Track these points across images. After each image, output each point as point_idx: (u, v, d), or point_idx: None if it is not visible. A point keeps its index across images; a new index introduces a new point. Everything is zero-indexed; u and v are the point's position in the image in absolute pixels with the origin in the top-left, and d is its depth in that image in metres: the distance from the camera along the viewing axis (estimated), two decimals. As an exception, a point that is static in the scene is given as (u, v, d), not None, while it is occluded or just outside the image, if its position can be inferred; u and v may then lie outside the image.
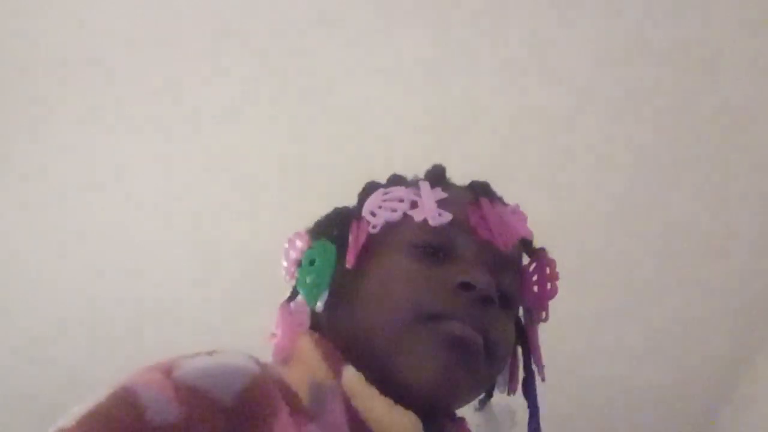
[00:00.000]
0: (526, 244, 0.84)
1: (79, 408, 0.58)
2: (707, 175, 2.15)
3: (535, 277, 0.84)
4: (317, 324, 0.79)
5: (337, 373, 0.72)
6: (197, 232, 2.32)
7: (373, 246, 0.79)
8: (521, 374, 0.84)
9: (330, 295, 0.79)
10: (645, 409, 2.81)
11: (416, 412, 0.70)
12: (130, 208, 2.33)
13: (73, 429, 0.56)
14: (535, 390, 0.83)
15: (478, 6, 1.85)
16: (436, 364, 0.71)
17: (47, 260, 2.48)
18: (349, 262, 0.77)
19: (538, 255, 0.85)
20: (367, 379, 0.71)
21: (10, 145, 2.19)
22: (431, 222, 0.77)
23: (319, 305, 0.79)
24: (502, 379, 0.83)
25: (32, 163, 2.23)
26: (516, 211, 0.84)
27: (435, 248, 0.77)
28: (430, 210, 0.79)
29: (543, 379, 0.84)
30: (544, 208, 2.22)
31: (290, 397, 0.67)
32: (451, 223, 0.78)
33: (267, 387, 0.64)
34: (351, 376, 0.71)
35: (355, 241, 0.79)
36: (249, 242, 2.26)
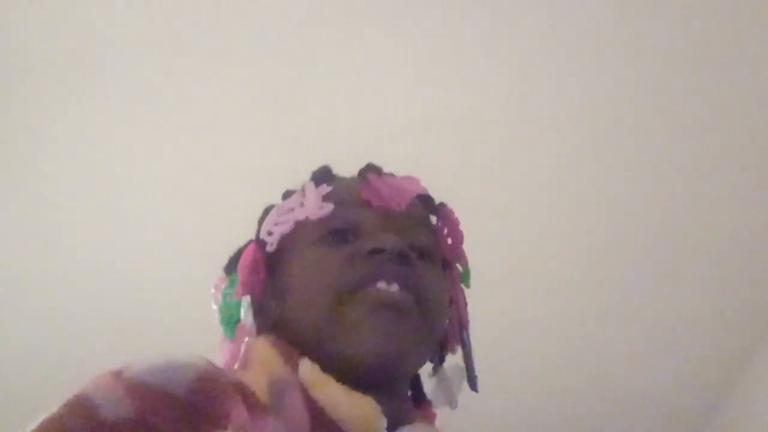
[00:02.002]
0: (427, 204, 0.86)
1: (33, 422, 0.60)
2: (706, 175, 2.15)
3: (445, 231, 0.86)
4: (268, 329, 0.81)
5: (294, 367, 0.73)
6: (197, 233, 2.32)
7: (277, 259, 0.82)
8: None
9: (264, 313, 0.81)
10: (643, 411, 2.81)
11: (375, 396, 0.71)
12: (129, 208, 2.33)
13: None
14: (467, 336, 0.85)
15: (472, 6, 1.86)
16: (372, 332, 0.72)
17: (46, 261, 2.49)
18: (238, 293, 0.82)
19: (438, 209, 0.87)
20: (322, 369, 0.72)
21: (9, 146, 2.19)
22: (312, 216, 0.80)
23: (251, 329, 0.81)
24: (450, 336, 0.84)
25: (31, 164, 2.24)
26: (407, 177, 0.86)
27: (341, 232, 0.79)
28: (311, 206, 0.81)
29: (466, 324, 0.85)
30: (542, 208, 2.23)
31: (246, 393, 0.68)
32: (344, 205, 0.81)
33: (218, 380, 0.66)
34: (307, 367, 0.72)
35: (243, 269, 0.82)
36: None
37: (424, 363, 0.81)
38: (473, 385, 0.82)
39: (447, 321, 0.83)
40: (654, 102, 2.01)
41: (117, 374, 0.64)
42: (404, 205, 0.81)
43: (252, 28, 1.92)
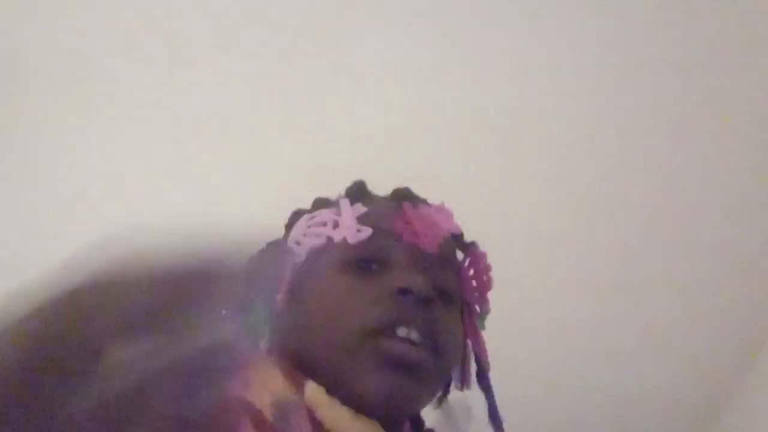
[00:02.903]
0: (457, 240, 0.86)
1: None
2: (706, 176, 2.15)
3: (471, 271, 0.86)
4: (272, 351, 0.80)
5: (300, 388, 0.73)
6: (197, 232, 2.32)
7: (305, 273, 0.80)
8: (473, 368, 0.85)
9: (282, 315, 0.80)
10: (645, 413, 2.81)
11: (378, 419, 0.72)
12: (129, 211, 2.33)
13: None
14: (488, 380, 0.85)
15: (474, 8, 1.85)
16: (382, 384, 0.72)
17: (45, 263, 2.48)
18: (281, 301, 0.79)
19: (469, 249, 0.86)
20: (327, 391, 0.72)
21: (8, 147, 2.19)
22: (350, 240, 0.79)
23: (263, 342, 0.80)
24: (455, 375, 0.84)
25: (30, 165, 2.24)
26: (441, 210, 0.85)
27: (367, 261, 0.78)
28: (348, 228, 0.80)
29: (487, 369, 0.85)
30: (542, 210, 2.23)
31: (253, 411, 0.68)
32: (377, 234, 0.79)
33: (228, 397, 0.64)
34: (313, 389, 0.72)
35: (280, 278, 0.80)
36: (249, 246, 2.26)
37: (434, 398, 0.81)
38: (498, 428, 0.82)
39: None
40: (656, 103, 2.01)
41: None
42: (436, 246, 0.80)
43: (254, 30, 1.92)
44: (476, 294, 0.85)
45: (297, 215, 0.86)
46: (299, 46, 1.93)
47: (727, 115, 2.00)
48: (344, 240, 0.79)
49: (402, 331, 0.73)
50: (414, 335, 0.73)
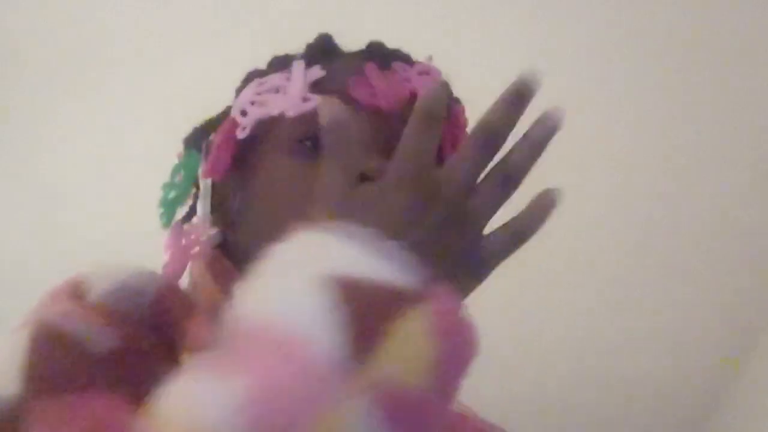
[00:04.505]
0: None
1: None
2: (705, 171, 2.15)
3: (448, 135, 0.72)
4: (226, 245, 0.70)
5: (229, 292, 0.61)
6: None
7: (250, 148, 0.67)
8: None
9: (219, 212, 0.69)
10: (643, 404, 2.82)
11: None
12: (128, 206, 2.34)
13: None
14: None
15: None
16: None
17: (45, 259, 2.49)
18: (205, 173, 0.68)
19: (449, 107, 0.69)
20: None
21: (7, 145, 2.20)
22: (288, 113, 0.65)
23: (206, 226, 0.69)
24: None
25: (31, 161, 2.24)
26: (425, 70, 0.69)
27: (318, 139, 0.63)
28: (291, 98, 0.65)
29: None
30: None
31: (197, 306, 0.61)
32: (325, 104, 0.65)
33: (176, 288, 0.61)
34: None
35: (216, 149, 0.68)
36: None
37: None
38: None
39: None
40: (655, 98, 2.01)
41: (77, 291, 0.57)
42: (394, 106, 0.65)
43: (256, 24, 1.92)
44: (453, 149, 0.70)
45: (250, 77, 0.72)
46: (298, 40, 1.93)
47: (734, 106, 2.00)
48: (280, 115, 0.65)
49: None
50: None
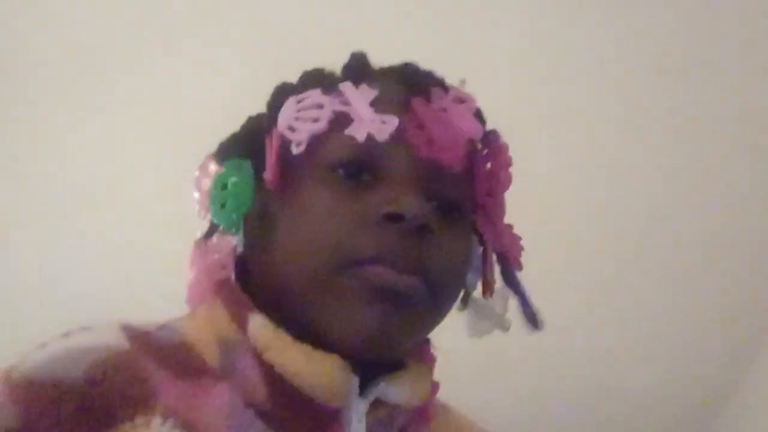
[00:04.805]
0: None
1: None
2: (705, 177, 2.15)
3: (488, 166, 0.69)
4: (242, 272, 0.67)
5: (242, 325, 0.62)
6: (195, 230, 2.32)
7: (289, 168, 0.65)
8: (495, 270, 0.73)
9: (247, 230, 0.67)
10: (643, 410, 2.81)
11: (349, 357, 0.60)
12: (127, 208, 2.34)
13: None
14: (515, 276, 0.72)
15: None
16: (365, 320, 0.60)
17: (44, 260, 2.49)
18: (270, 180, 0.65)
19: (488, 140, 0.69)
20: (278, 325, 0.61)
21: (7, 145, 2.20)
22: (378, 137, 0.62)
23: (239, 243, 0.67)
24: (473, 279, 0.71)
25: (29, 162, 2.24)
26: (462, 99, 0.67)
27: (358, 167, 0.63)
28: (369, 120, 0.62)
29: (514, 265, 0.73)
30: (540, 206, 2.23)
31: (184, 361, 0.60)
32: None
33: (133, 360, 0.58)
34: (258, 326, 0.61)
35: (273, 154, 0.65)
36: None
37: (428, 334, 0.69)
38: (534, 322, 0.72)
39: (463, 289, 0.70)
40: (657, 101, 2.01)
41: (6, 375, 0.56)
42: (458, 161, 0.64)
43: (252, 26, 1.92)
44: (490, 199, 0.69)
45: (282, 91, 0.69)
46: (300, 40, 1.92)
47: (729, 114, 2.00)
48: (369, 137, 0.62)
49: (383, 271, 0.60)
50: (399, 279, 0.60)
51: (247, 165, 0.67)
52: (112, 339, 0.60)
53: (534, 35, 1.90)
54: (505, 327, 0.71)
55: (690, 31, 1.87)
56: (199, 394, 0.59)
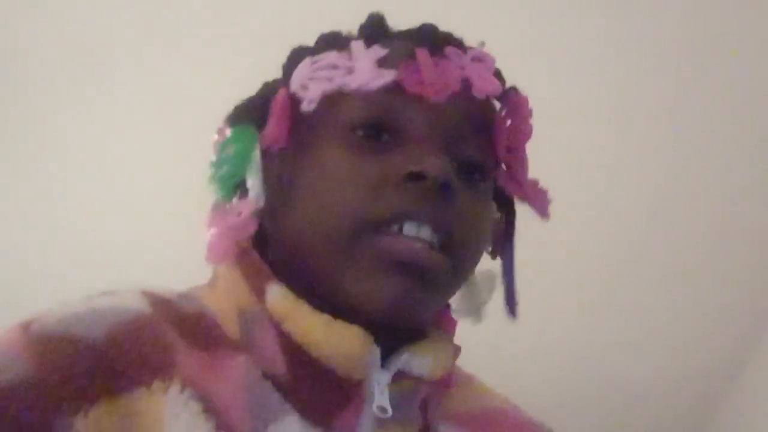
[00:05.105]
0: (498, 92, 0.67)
1: None
2: (705, 172, 2.15)
3: (508, 122, 0.68)
4: (259, 237, 0.65)
5: (261, 294, 0.60)
6: (196, 228, 2.32)
7: (306, 131, 0.64)
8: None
9: (266, 193, 0.65)
10: (643, 405, 2.82)
11: (370, 328, 0.59)
12: (127, 202, 2.34)
13: None
14: (511, 252, 0.72)
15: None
16: (385, 289, 0.58)
17: (44, 255, 2.49)
18: (273, 138, 0.63)
19: (507, 96, 0.68)
20: (298, 295, 0.60)
21: (7, 140, 2.20)
22: (371, 84, 0.61)
23: (258, 202, 0.64)
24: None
25: (30, 157, 2.25)
26: (479, 58, 0.66)
27: (377, 127, 0.62)
28: (364, 72, 0.62)
29: (543, 214, 0.72)
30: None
31: (203, 330, 0.60)
32: (390, 90, 0.61)
33: (154, 325, 0.58)
34: (276, 296, 0.60)
35: (280, 114, 0.64)
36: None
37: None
38: (511, 307, 0.71)
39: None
40: (654, 99, 2.01)
41: (25, 328, 0.56)
42: (441, 96, 0.62)
43: (254, 23, 1.92)
44: (511, 155, 0.67)
45: (298, 54, 0.68)
46: (304, 36, 1.93)
47: (730, 111, 2.00)
48: (358, 89, 0.61)
49: (410, 228, 0.59)
50: (425, 233, 0.59)
51: (250, 131, 0.66)
52: (135, 303, 0.59)
53: (533, 32, 1.91)
54: (479, 316, 0.70)
55: (690, 27, 1.87)
56: (216, 366, 0.58)
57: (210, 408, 0.55)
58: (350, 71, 0.62)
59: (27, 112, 2.14)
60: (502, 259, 0.71)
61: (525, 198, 0.69)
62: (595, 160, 2.15)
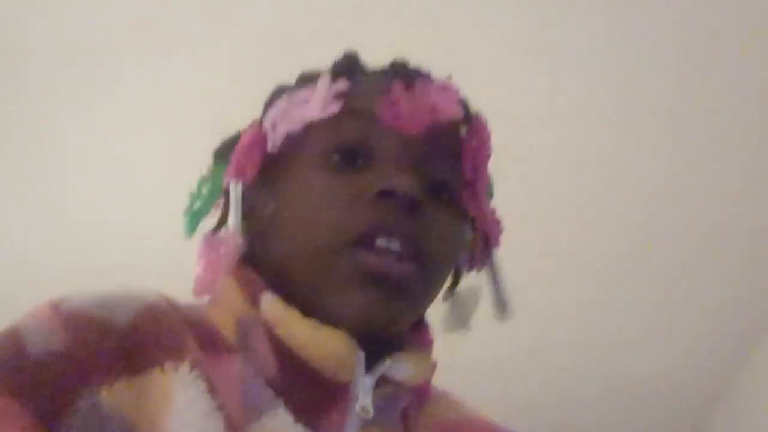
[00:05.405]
0: (463, 118, 0.72)
1: None
2: (705, 172, 2.15)
3: (473, 145, 0.72)
4: (251, 255, 0.71)
5: (255, 303, 0.66)
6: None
7: (283, 160, 0.70)
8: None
9: (248, 220, 0.70)
10: (643, 404, 2.82)
11: (352, 335, 0.64)
12: (128, 199, 2.34)
13: None
14: (492, 257, 0.75)
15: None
16: (361, 302, 0.64)
17: (44, 254, 2.49)
18: (236, 174, 0.69)
19: (471, 121, 0.72)
20: (289, 303, 0.65)
21: (8, 140, 2.20)
22: (312, 113, 0.67)
23: (238, 234, 0.69)
24: (462, 259, 0.75)
25: (30, 157, 2.25)
26: (444, 88, 0.71)
27: (351, 152, 0.67)
28: (314, 105, 0.68)
29: (494, 244, 0.74)
30: (543, 198, 2.23)
31: (205, 332, 0.65)
32: (361, 116, 0.67)
33: (167, 314, 0.64)
34: (269, 303, 0.65)
35: (248, 150, 0.70)
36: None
37: (424, 313, 0.73)
38: (503, 309, 0.74)
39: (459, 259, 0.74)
40: (654, 98, 2.01)
41: (56, 306, 0.62)
42: (420, 130, 0.67)
43: (254, 20, 1.92)
44: (474, 173, 0.72)
45: (277, 92, 0.73)
46: (302, 36, 1.93)
47: (731, 108, 2.00)
48: (310, 120, 0.67)
49: (381, 242, 0.64)
50: (395, 245, 0.64)
51: (223, 168, 0.72)
52: (152, 295, 0.65)
53: (533, 32, 1.91)
54: (466, 326, 0.74)
55: (690, 27, 1.87)
56: (216, 363, 0.63)
57: (213, 389, 0.61)
58: (306, 103, 0.69)
59: (27, 111, 2.15)
60: (486, 268, 0.76)
61: (481, 219, 0.73)
62: (595, 160, 2.15)
